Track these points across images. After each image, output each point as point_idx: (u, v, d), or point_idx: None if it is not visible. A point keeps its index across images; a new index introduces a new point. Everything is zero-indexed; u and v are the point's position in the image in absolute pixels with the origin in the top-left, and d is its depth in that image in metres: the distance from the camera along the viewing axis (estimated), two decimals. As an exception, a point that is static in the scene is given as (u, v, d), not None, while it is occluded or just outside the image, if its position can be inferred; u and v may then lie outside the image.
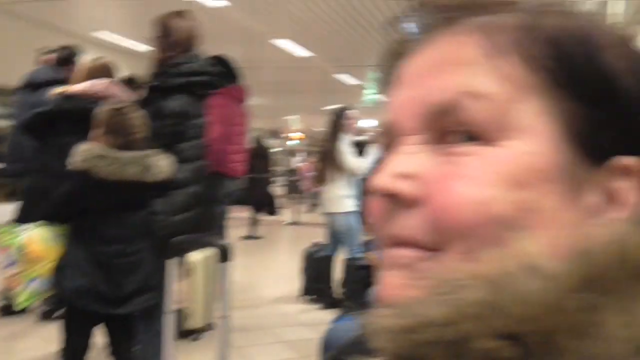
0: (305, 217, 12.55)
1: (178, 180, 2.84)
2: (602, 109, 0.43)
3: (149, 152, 2.68)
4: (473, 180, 0.41)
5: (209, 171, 4.85)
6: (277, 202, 11.99)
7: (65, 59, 4.74)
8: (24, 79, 4.80)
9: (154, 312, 2.85)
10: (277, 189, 16.17)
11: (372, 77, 12.88)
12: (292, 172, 16.02)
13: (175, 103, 3.13)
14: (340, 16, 8.88)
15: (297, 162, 16.04)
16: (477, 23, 0.46)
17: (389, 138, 0.49)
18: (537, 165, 0.42)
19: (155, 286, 2.73)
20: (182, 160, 2.99)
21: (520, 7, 0.47)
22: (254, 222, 9.81)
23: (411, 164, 0.44)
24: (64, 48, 4.93)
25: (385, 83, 0.53)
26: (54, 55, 4.91)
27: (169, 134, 3.02)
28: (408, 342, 0.36)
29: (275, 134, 26.39)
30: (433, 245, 0.43)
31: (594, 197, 0.43)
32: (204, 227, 3.08)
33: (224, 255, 2.68)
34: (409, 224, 0.44)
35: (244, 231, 9.69)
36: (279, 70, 13.81)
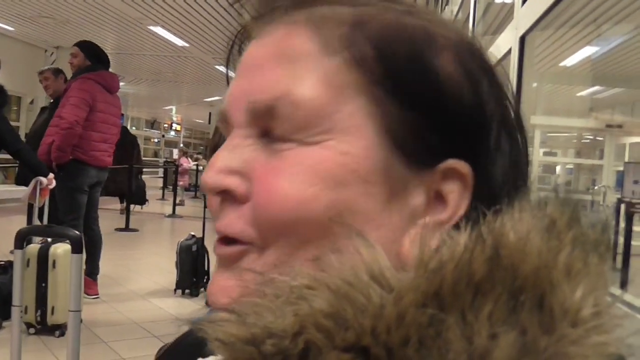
0: (184, 210, 12.31)
1: None
2: (427, 113, 0.43)
3: None
4: (292, 178, 0.41)
5: (69, 157, 4.63)
6: (152, 193, 11.69)
7: None
8: None
9: None
10: (156, 180, 15.69)
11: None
12: (172, 163, 15.61)
13: None
14: (214, 8, 8.76)
15: (176, 153, 15.63)
16: (309, 15, 0.45)
17: (225, 127, 0.48)
18: (354, 166, 0.41)
19: None
20: None
21: (358, 2, 0.46)
22: (127, 214, 9.47)
23: (238, 158, 0.44)
24: None
25: (230, 69, 0.52)
26: None
27: None
28: (247, 355, 0.33)
29: (153, 124, 25.56)
30: (258, 241, 0.43)
31: (420, 198, 0.43)
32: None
33: (76, 246, 2.56)
34: (236, 219, 0.44)
35: (118, 223, 9.35)
36: (157, 59, 13.42)
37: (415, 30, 0.44)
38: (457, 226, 0.39)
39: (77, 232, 2.68)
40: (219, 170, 0.44)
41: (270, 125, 0.43)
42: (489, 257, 0.33)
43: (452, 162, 0.43)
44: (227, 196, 0.44)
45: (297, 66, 0.43)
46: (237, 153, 0.44)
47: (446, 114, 0.43)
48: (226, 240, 0.44)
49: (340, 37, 0.43)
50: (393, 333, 0.32)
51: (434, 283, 0.33)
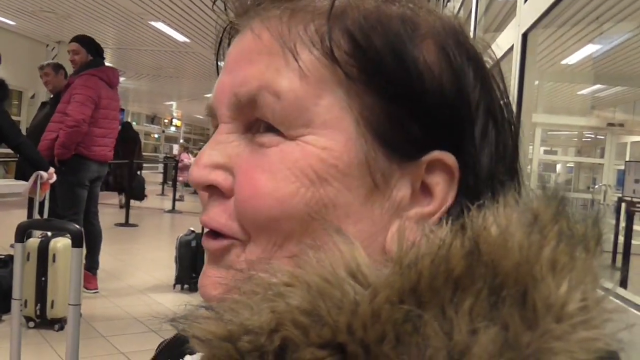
0: (184, 205, 12.31)
1: None
2: (407, 105, 0.42)
3: None
4: (274, 175, 0.42)
5: (72, 154, 4.65)
6: (152, 189, 11.69)
7: None
8: None
9: None
10: (155, 175, 15.68)
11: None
12: (172, 159, 15.59)
13: None
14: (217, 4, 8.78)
15: (176, 149, 15.60)
16: (286, 9, 0.45)
17: (212, 121, 0.49)
18: (333, 161, 0.42)
19: None
20: None
21: None
22: (127, 209, 9.47)
23: (223, 154, 0.45)
24: None
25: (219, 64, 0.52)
26: None
27: None
28: (224, 351, 0.33)
29: (154, 119, 25.54)
30: (241, 235, 0.44)
31: (404, 191, 0.43)
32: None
33: (76, 240, 2.56)
34: (220, 213, 0.44)
35: (118, 218, 9.35)
36: (158, 54, 13.41)
37: (394, 19, 0.43)
38: (440, 220, 0.39)
39: (77, 226, 2.68)
40: (204, 165, 0.44)
41: (253, 118, 0.44)
42: (468, 252, 0.33)
43: (437, 154, 0.43)
44: (214, 191, 0.45)
45: (275, 60, 0.43)
46: (221, 148, 0.45)
47: (427, 105, 0.42)
48: (213, 234, 0.45)
49: (315, 30, 0.43)
50: (369, 330, 0.31)
51: (410, 279, 0.32)
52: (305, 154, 0.42)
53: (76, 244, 2.53)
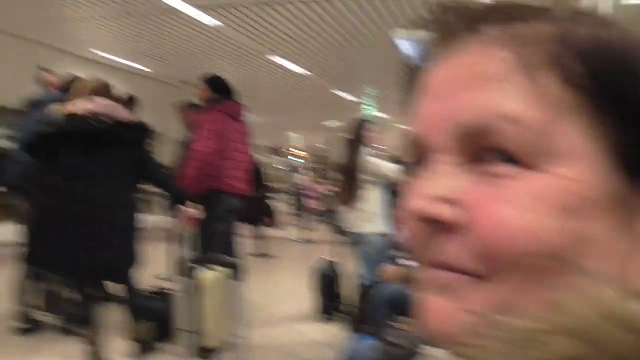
0: (313, 235, 12.48)
1: None
2: None
3: None
4: (520, 206, 0.39)
5: (206, 188, 4.79)
6: (281, 218, 11.98)
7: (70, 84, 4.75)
8: (29, 101, 4.82)
9: None
10: (281, 206, 16.09)
11: (369, 94, 12.93)
12: (296, 188, 15.89)
13: None
14: (333, 36, 8.99)
15: (301, 179, 15.90)
16: (507, 32, 0.43)
17: (417, 152, 0.46)
18: (585, 193, 0.39)
19: None
20: None
21: (552, 16, 0.43)
22: (261, 239, 9.72)
23: (449, 186, 0.42)
24: (68, 74, 5.02)
25: (407, 91, 0.50)
26: (55, 78, 5.01)
27: None
28: None
29: (276, 151, 26.41)
30: (481, 273, 0.40)
31: None
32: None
33: (235, 273, 2.60)
34: (454, 250, 0.41)
35: (252, 249, 9.60)
36: (278, 88, 13.84)
37: (617, 43, 0.42)
38: None
39: (236, 259, 2.72)
40: (428, 196, 0.42)
41: (481, 147, 0.41)
42: None
43: None
44: (435, 225, 0.42)
45: (503, 86, 0.41)
46: (446, 180, 0.42)
47: None
48: (443, 267, 0.42)
49: (546, 54, 0.41)
50: None
51: None
52: (552, 185, 0.39)
53: (235, 276, 2.57)
